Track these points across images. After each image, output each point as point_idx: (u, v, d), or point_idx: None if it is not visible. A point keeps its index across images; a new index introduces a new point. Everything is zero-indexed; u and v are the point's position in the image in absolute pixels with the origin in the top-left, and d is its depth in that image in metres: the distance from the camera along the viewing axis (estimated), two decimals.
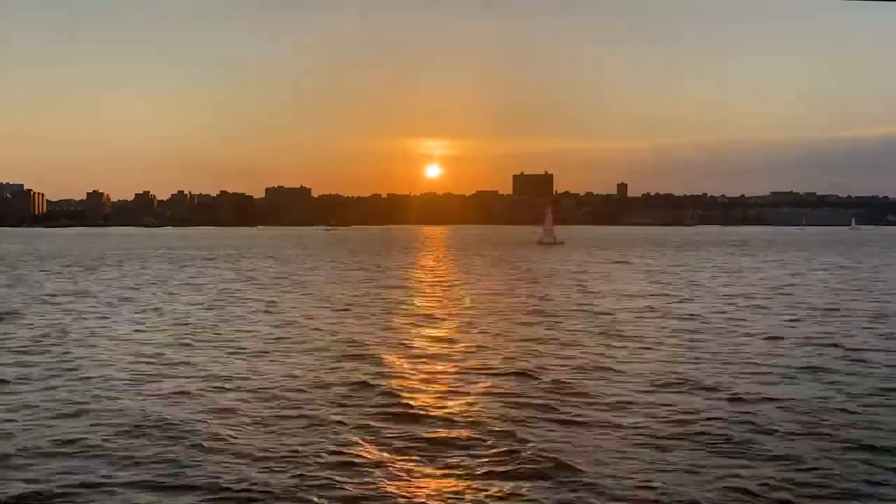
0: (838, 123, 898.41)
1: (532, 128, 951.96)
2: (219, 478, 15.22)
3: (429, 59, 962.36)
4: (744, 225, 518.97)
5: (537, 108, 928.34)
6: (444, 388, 22.78)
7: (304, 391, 22.36)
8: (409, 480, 15.21)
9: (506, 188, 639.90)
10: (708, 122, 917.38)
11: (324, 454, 16.49)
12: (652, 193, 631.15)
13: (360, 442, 17.30)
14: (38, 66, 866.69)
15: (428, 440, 17.48)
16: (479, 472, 15.46)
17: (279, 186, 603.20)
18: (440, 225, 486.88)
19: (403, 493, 14.59)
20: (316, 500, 14.27)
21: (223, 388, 23.04)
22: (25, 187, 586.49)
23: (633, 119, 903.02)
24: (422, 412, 19.79)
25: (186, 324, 38.11)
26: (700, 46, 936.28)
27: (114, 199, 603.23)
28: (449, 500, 14.25)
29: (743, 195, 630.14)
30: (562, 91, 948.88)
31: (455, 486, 14.91)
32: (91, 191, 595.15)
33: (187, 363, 27.17)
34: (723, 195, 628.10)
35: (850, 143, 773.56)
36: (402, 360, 27.52)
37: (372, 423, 18.75)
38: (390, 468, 15.76)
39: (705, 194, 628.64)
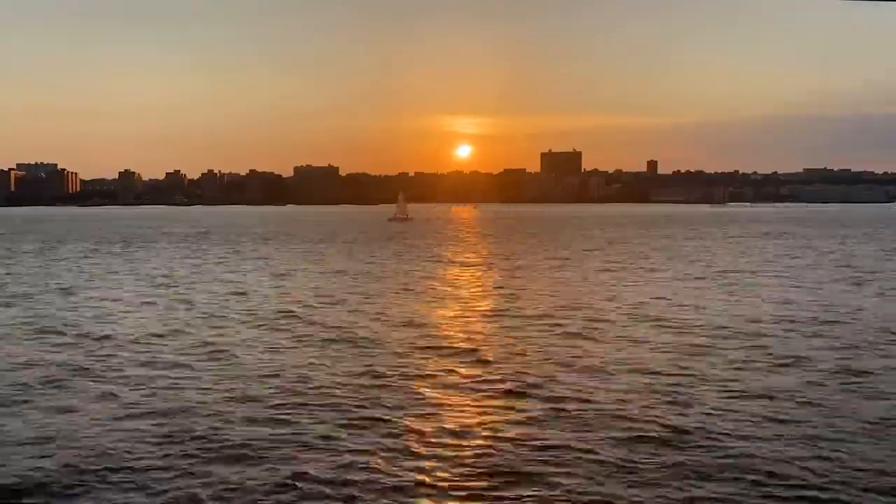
0: (873, 99, 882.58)
1: (561, 105, 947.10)
2: None
3: (457, 37, 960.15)
4: (777, 202, 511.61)
5: (567, 85, 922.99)
6: None
7: None
8: None
9: (534, 166, 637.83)
10: (740, 98, 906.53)
11: None
12: (682, 171, 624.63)
13: None
14: (68, 49, 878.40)
15: None
16: None
17: (307, 165, 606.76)
18: (467, 203, 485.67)
19: None
20: None
21: None
22: (59, 167, 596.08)
23: (664, 96, 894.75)
24: None
25: None
26: (730, 21, 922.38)
27: (145, 178, 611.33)
28: None
29: (776, 172, 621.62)
30: (591, 68, 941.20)
31: None
32: (123, 170, 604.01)
33: None
34: (755, 172, 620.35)
35: (886, 120, 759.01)
36: None
37: None
38: None
39: (737, 171, 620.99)
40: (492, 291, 50.38)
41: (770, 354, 28.81)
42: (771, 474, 16.77)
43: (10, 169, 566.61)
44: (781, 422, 20.36)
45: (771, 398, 22.59)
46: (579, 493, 15.94)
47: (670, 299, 44.89)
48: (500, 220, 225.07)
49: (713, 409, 21.54)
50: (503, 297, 46.43)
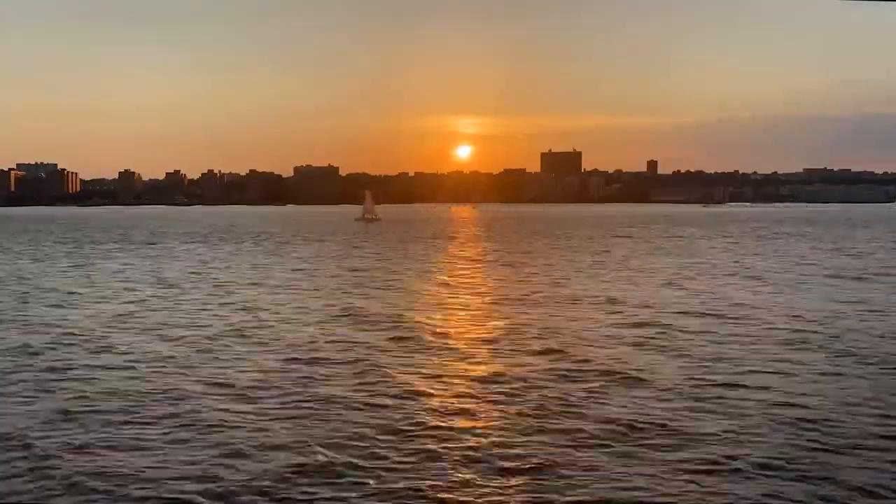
0: (873, 99, 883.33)
1: (561, 105, 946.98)
2: None
3: (457, 37, 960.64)
4: (777, 202, 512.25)
5: (567, 85, 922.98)
6: None
7: None
8: None
9: (534, 166, 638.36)
10: (740, 98, 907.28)
11: None
12: (682, 171, 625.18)
13: None
14: (68, 49, 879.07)
15: None
16: None
17: (307, 165, 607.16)
18: (467, 203, 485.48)
19: None
20: None
21: None
22: (59, 167, 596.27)
23: (664, 96, 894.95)
24: None
25: None
26: (730, 21, 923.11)
27: (145, 178, 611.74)
28: None
29: (776, 172, 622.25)
30: (591, 68, 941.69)
31: None
32: (123, 170, 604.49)
33: None
34: (755, 172, 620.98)
35: (886, 120, 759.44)
36: None
37: None
38: None
39: (737, 171, 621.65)
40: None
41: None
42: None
43: (10, 169, 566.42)
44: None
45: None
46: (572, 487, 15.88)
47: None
48: (497, 220, 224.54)
49: (712, 397, 21.49)
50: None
